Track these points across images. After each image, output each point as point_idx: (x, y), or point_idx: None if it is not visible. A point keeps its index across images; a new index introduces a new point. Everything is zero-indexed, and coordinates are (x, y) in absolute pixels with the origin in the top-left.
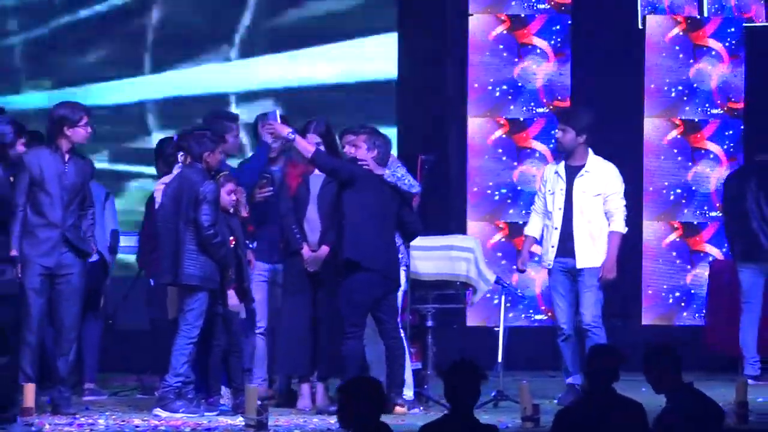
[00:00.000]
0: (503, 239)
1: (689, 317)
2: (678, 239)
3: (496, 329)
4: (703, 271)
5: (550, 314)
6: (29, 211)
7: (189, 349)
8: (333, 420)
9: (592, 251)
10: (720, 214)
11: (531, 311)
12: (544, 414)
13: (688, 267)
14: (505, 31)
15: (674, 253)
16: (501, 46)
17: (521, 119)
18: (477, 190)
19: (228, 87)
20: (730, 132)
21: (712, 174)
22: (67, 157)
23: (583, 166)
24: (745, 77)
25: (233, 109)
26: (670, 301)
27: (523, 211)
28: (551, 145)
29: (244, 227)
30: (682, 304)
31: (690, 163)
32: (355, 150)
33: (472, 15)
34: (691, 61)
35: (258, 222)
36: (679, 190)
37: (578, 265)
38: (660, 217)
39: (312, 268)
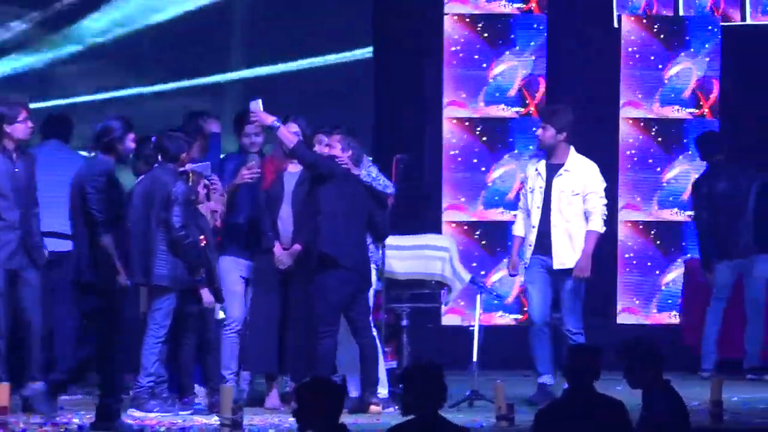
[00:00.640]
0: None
1: (665, 316)
2: (654, 238)
3: (471, 328)
4: (679, 270)
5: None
6: None
7: (158, 348)
8: None
9: (569, 251)
10: (692, 213)
11: (505, 312)
12: (519, 413)
13: (660, 268)
14: (481, 30)
15: (650, 252)
16: (477, 46)
17: (498, 118)
18: (452, 190)
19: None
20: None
21: (692, 173)
22: (15, 155)
23: (563, 164)
24: (720, 77)
25: None
26: (644, 300)
27: (501, 210)
28: (531, 146)
29: (215, 235)
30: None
31: (667, 163)
32: (329, 149)
33: (447, 15)
34: (667, 62)
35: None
36: (657, 191)
37: (554, 266)
38: (636, 216)
39: (283, 266)
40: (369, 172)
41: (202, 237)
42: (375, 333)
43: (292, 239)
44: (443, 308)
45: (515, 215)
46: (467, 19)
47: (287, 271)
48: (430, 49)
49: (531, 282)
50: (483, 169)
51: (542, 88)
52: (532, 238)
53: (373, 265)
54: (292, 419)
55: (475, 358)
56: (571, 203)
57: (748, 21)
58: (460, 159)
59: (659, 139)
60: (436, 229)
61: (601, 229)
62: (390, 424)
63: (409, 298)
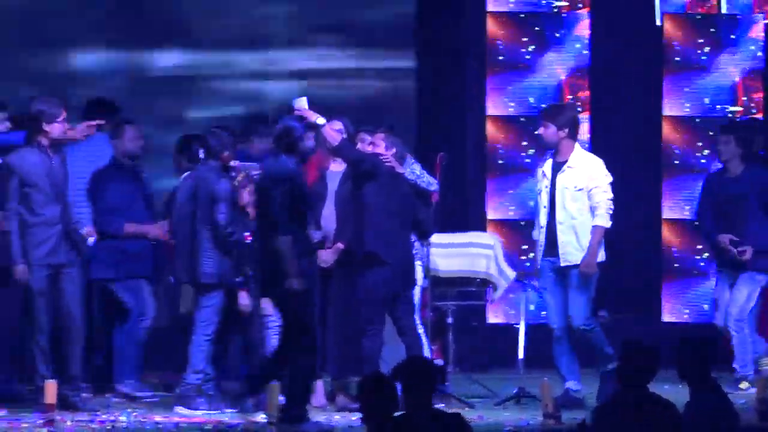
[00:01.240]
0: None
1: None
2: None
3: (516, 326)
4: None
5: None
6: (24, 211)
7: (206, 346)
8: (354, 417)
9: (576, 248)
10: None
11: None
12: (566, 411)
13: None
14: (524, 29)
15: (696, 255)
16: (520, 44)
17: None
18: (497, 188)
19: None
20: None
21: None
22: (50, 151)
23: (566, 161)
24: (764, 74)
25: None
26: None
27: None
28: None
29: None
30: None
31: (711, 162)
32: (372, 148)
33: (489, 13)
34: (710, 61)
35: None
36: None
37: (561, 263)
38: (680, 215)
39: (326, 264)
40: (412, 169)
41: (247, 234)
42: (422, 331)
43: (335, 238)
44: (489, 306)
45: None
46: (510, 18)
47: (328, 269)
48: (472, 48)
49: (544, 288)
50: (525, 168)
51: (585, 86)
52: (542, 238)
53: (418, 263)
54: (338, 416)
55: (521, 356)
56: (575, 199)
57: None
58: (501, 161)
59: (703, 138)
60: (481, 227)
61: (607, 223)
62: None
63: (454, 296)
